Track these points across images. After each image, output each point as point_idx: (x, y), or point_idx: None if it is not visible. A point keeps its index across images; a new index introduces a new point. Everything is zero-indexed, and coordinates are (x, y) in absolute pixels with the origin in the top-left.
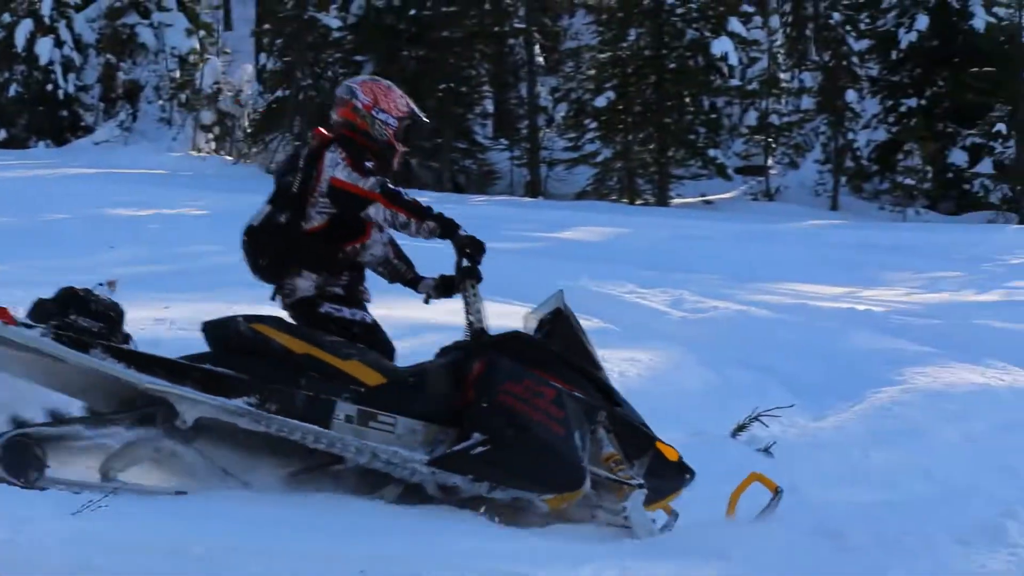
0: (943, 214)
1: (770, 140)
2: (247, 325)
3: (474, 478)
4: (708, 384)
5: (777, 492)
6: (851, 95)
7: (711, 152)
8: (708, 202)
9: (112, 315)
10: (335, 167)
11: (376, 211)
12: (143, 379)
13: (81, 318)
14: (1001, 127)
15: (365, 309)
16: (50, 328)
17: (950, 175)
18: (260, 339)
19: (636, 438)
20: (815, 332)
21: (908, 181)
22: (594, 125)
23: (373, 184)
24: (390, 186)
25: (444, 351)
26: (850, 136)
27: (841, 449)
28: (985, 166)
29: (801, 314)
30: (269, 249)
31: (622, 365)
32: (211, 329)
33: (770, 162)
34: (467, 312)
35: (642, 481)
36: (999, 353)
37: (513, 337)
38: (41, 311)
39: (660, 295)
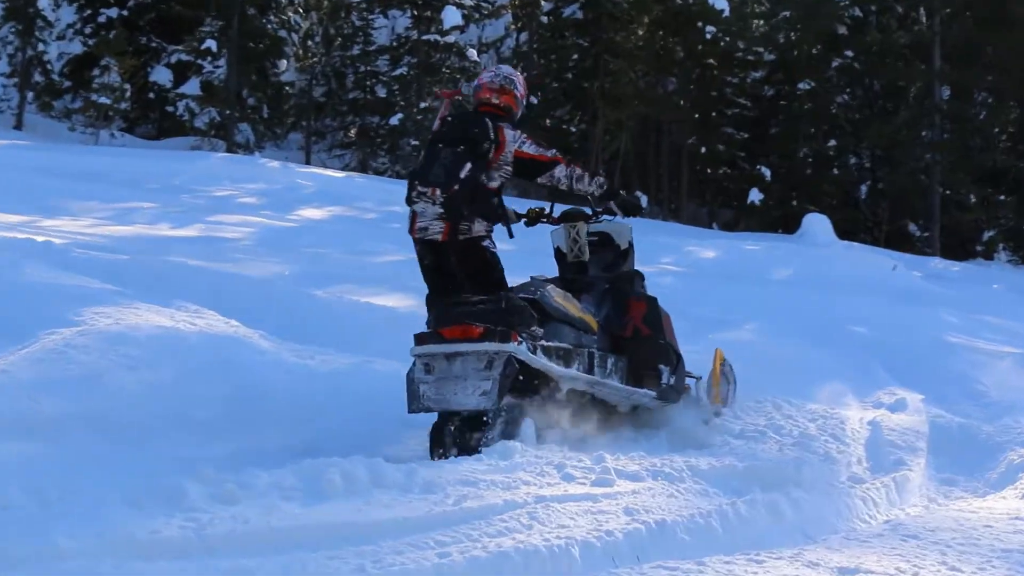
0: (142, 138)
1: None
2: (552, 297)
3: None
4: None
5: None
6: (44, 1)
7: None
8: None
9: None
10: (519, 143)
11: (559, 170)
12: (569, 373)
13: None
14: (211, 44)
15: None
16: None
17: (151, 95)
18: (560, 308)
19: None
20: None
21: (103, 100)
22: None
23: (555, 152)
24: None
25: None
26: (40, 47)
27: (7, 394)
28: (191, 86)
29: None
30: (467, 198)
31: None
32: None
33: None
34: (576, 247)
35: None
36: (192, 294)
37: (635, 273)
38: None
39: None
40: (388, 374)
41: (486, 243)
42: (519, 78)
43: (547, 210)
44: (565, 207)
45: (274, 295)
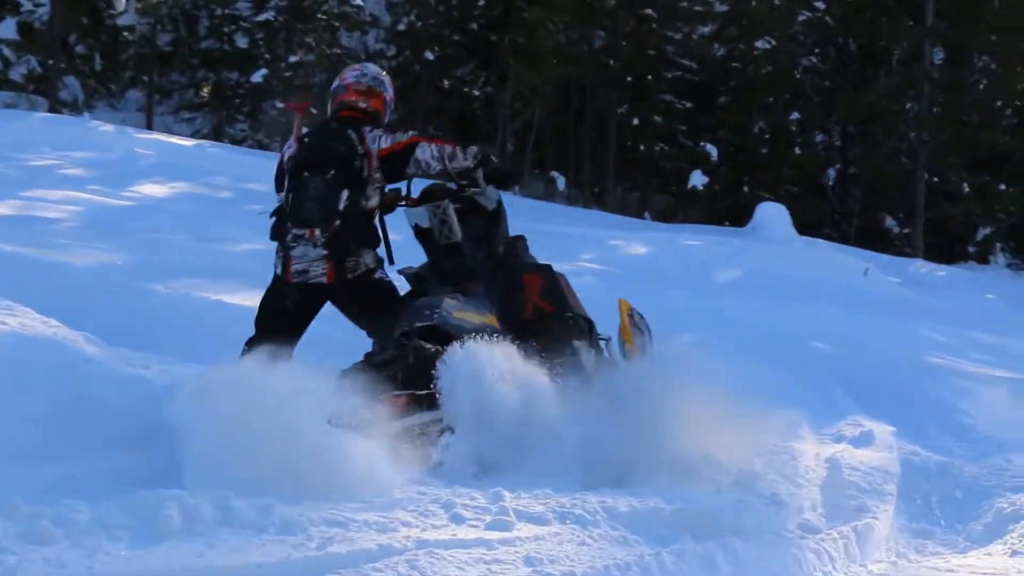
0: None
1: None
2: (450, 316)
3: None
4: None
5: None
6: None
7: None
8: None
9: None
10: (377, 142)
11: (422, 152)
12: None
13: None
14: None
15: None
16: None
17: None
18: (460, 326)
19: None
20: None
21: None
22: None
23: (410, 133)
24: None
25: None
26: None
27: None
28: (6, 29)
29: None
30: (351, 232)
31: None
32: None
33: None
34: (445, 228)
35: None
36: (2, 287)
37: (516, 239)
38: None
39: None
40: None
41: (379, 275)
42: (388, 79)
43: (403, 191)
44: (424, 183)
45: (104, 290)
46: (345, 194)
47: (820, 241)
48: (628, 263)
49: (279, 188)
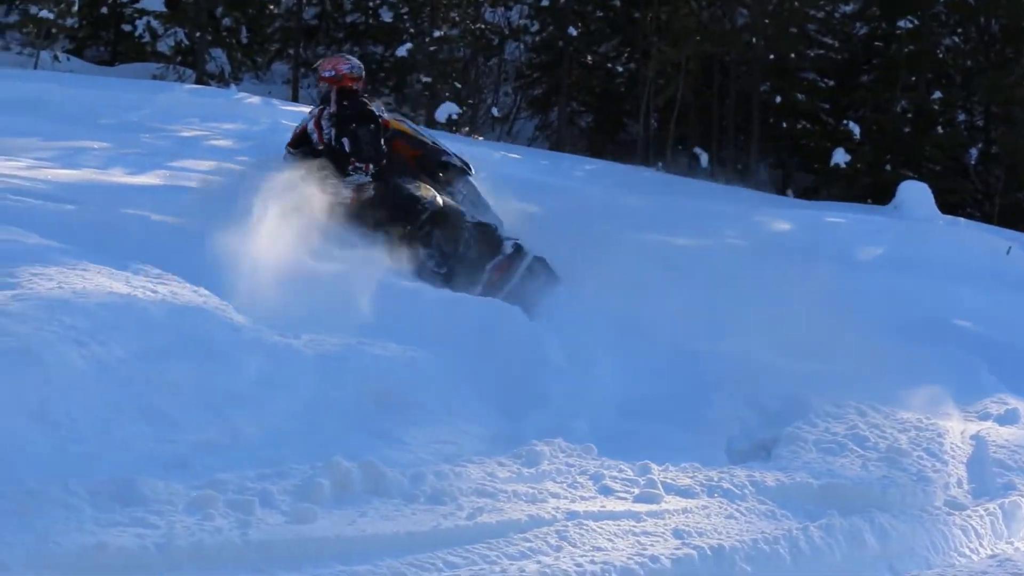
0: (93, 63)
1: None
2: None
3: None
4: None
5: None
6: None
7: None
8: None
9: None
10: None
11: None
12: None
13: None
14: None
15: None
16: None
17: (104, 10)
18: None
19: None
20: None
21: (45, 14)
22: None
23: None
24: None
25: None
26: None
27: None
28: (154, 2)
29: None
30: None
31: None
32: None
33: None
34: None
35: None
36: (153, 255)
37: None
38: None
39: None
40: (391, 360)
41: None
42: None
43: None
44: None
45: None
46: (383, 140)
47: (962, 220)
48: (771, 240)
49: (299, 143)
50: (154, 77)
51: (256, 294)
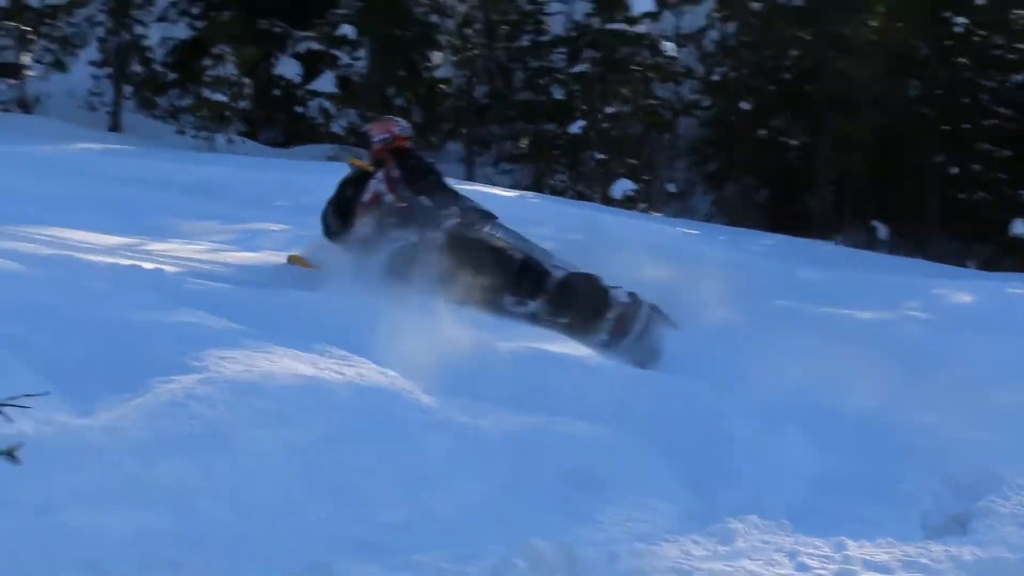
0: (267, 145)
1: (26, 29)
2: None
3: None
4: None
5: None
6: None
7: None
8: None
9: None
10: None
11: None
12: None
13: None
14: (347, 30)
15: None
16: None
17: (277, 92)
18: None
19: None
20: (82, 295)
21: (218, 97)
22: None
23: None
24: None
25: None
26: (139, 31)
27: (115, 457)
28: (325, 82)
29: (63, 270)
30: None
31: None
32: None
33: (27, 59)
34: None
35: None
36: (338, 336)
37: None
38: None
39: None
40: (578, 438)
41: None
42: None
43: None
44: None
45: (443, 340)
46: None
47: None
48: (954, 312)
49: (346, 212)
50: (328, 158)
51: (439, 373)
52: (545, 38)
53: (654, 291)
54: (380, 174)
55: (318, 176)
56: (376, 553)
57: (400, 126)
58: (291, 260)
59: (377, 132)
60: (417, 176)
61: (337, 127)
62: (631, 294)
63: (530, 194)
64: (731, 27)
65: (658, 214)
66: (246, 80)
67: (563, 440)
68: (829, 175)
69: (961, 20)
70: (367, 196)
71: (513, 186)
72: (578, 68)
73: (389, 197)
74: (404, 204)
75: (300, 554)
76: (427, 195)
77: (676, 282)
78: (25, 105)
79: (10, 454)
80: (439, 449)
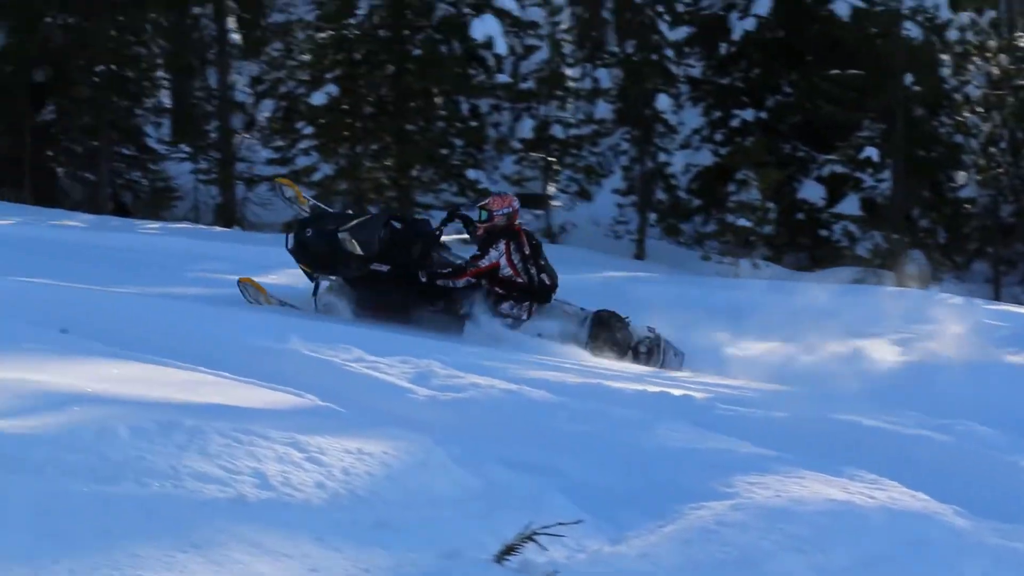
0: (790, 268)
1: (552, 160)
2: None
3: None
4: (465, 488)
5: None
6: (664, 101)
7: (470, 173)
8: (465, 241)
9: None
10: None
11: None
12: None
13: None
14: (871, 152)
15: None
16: None
17: (800, 216)
18: None
19: None
20: (612, 423)
21: (743, 222)
22: (310, 131)
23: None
24: None
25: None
26: (662, 158)
27: None
28: (850, 205)
29: (593, 398)
30: None
31: (347, 459)
32: None
33: (552, 190)
34: None
35: None
36: (868, 460)
37: None
38: None
39: (399, 365)
40: None
41: None
42: None
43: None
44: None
45: (964, 460)
46: None
47: None
48: None
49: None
50: (854, 281)
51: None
52: None
53: None
54: (501, 246)
55: (843, 299)
56: None
57: (518, 203)
58: None
59: (498, 206)
60: (538, 255)
61: (862, 249)
62: (648, 327)
63: None
64: None
65: None
66: (770, 204)
67: None
68: None
69: None
70: (486, 263)
71: None
72: None
73: (507, 271)
74: (523, 280)
75: None
76: (546, 275)
77: None
78: (552, 235)
79: None
80: (974, 572)
